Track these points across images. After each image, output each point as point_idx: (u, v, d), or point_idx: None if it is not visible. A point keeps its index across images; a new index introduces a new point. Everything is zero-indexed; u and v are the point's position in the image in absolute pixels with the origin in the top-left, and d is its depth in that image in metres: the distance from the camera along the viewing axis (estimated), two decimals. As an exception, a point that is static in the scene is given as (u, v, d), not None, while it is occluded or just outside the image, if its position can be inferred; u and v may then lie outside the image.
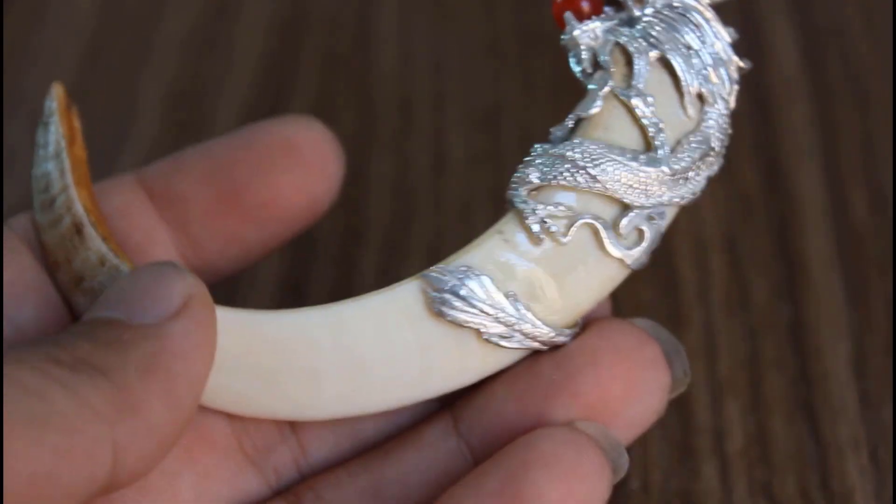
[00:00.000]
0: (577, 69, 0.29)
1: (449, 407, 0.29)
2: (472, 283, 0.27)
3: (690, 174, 0.28)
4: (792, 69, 0.44)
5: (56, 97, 0.28)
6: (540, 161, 0.28)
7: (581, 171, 0.27)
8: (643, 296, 0.38)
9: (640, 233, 0.28)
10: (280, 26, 0.47)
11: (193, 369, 0.25)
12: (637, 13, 0.29)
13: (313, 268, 0.39)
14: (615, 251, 0.28)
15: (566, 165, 0.27)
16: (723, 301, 0.38)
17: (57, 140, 0.28)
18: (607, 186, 0.27)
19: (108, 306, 0.25)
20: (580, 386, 0.27)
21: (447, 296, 0.27)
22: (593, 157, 0.27)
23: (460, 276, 0.27)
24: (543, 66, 0.45)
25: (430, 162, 0.42)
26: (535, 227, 0.27)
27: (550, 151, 0.28)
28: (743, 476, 0.34)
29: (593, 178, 0.27)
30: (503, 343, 0.27)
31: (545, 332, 0.27)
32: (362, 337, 0.27)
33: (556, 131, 0.29)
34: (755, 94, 0.43)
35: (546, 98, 0.44)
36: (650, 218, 0.28)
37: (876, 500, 0.33)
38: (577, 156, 0.27)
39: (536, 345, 0.28)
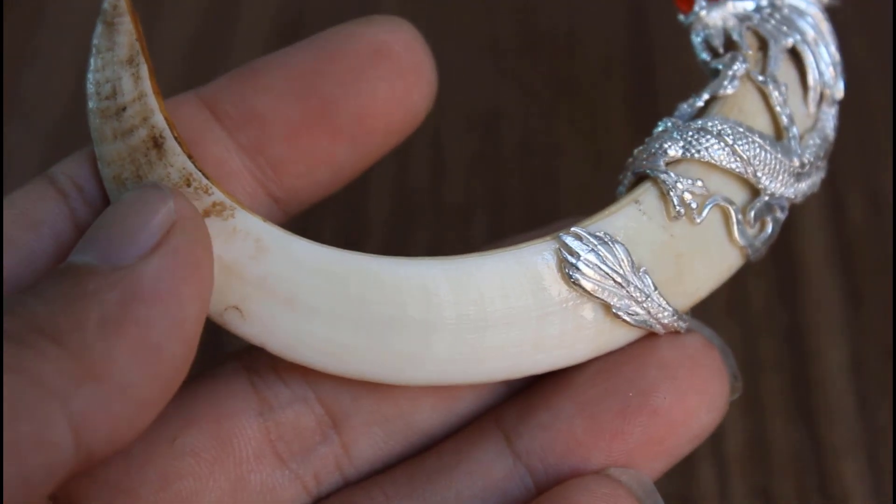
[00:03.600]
0: (701, 49, 0.28)
1: (495, 420, 0.27)
2: (608, 252, 0.25)
3: (811, 171, 0.27)
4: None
5: None
6: (678, 134, 0.26)
7: (726, 148, 0.26)
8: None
9: (763, 223, 0.27)
10: (279, 30, 0.47)
11: (174, 311, 0.22)
12: (763, 2, 0.28)
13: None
14: (741, 239, 0.27)
15: (711, 140, 0.26)
16: (721, 304, 0.38)
17: (130, 42, 0.24)
18: (747, 168, 0.26)
19: (83, 248, 0.23)
20: (660, 402, 0.25)
21: (581, 262, 0.25)
22: (737, 135, 0.26)
23: (596, 243, 0.25)
24: (543, 70, 0.45)
25: (430, 164, 0.42)
26: (676, 201, 0.26)
27: (690, 125, 0.26)
28: (741, 479, 0.34)
29: (738, 156, 0.26)
30: (627, 318, 0.26)
31: (669, 314, 0.26)
32: (484, 295, 0.25)
33: (685, 107, 0.27)
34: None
35: (545, 101, 0.44)
36: (773, 209, 0.27)
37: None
38: (724, 132, 0.26)
39: (658, 327, 0.26)
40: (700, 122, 0.26)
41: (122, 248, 0.22)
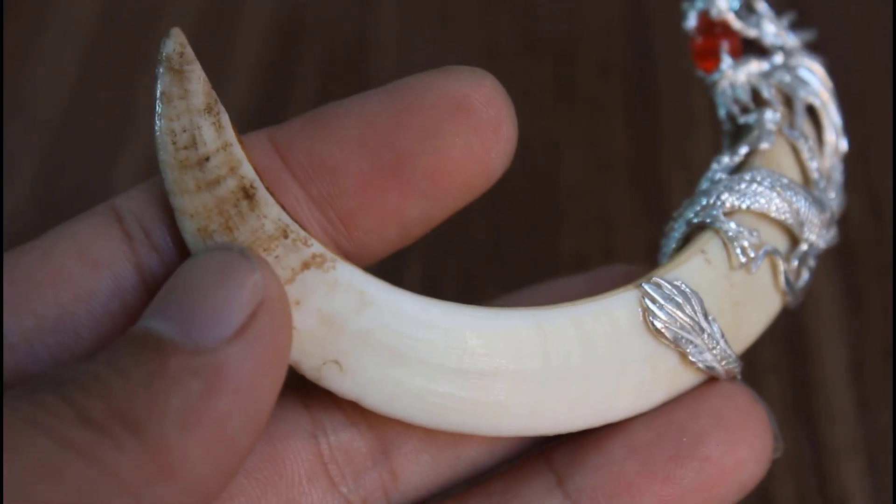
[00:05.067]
0: (729, 104, 0.29)
1: (545, 461, 0.26)
2: (686, 300, 0.26)
3: (833, 222, 0.28)
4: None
5: (185, 43, 0.24)
6: (729, 184, 0.27)
7: (779, 199, 0.27)
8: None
9: (799, 272, 0.28)
10: (278, 32, 0.47)
11: (252, 404, 0.21)
12: (778, 61, 0.29)
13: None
14: (785, 287, 0.27)
15: (766, 192, 0.27)
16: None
17: (206, 91, 0.24)
18: (796, 219, 0.27)
19: (160, 313, 0.22)
20: (711, 449, 0.25)
21: (664, 311, 0.26)
22: (784, 187, 0.27)
23: (675, 291, 0.26)
24: (542, 71, 0.45)
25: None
26: (740, 251, 0.26)
27: (742, 177, 0.27)
28: (741, 481, 0.34)
29: (790, 207, 0.27)
30: (700, 365, 0.26)
31: (731, 360, 0.27)
32: (571, 345, 0.25)
33: (725, 160, 0.28)
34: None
35: (545, 102, 0.44)
36: (808, 259, 0.28)
37: (874, 506, 0.34)
38: (775, 183, 0.27)
39: (722, 373, 0.27)
40: (749, 174, 0.27)
41: (206, 327, 0.21)
